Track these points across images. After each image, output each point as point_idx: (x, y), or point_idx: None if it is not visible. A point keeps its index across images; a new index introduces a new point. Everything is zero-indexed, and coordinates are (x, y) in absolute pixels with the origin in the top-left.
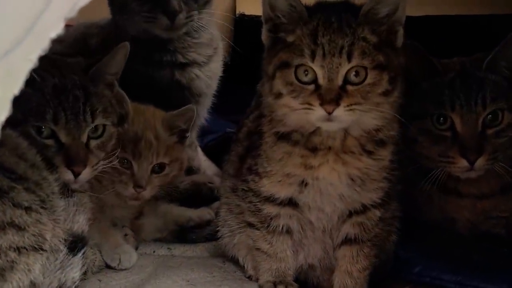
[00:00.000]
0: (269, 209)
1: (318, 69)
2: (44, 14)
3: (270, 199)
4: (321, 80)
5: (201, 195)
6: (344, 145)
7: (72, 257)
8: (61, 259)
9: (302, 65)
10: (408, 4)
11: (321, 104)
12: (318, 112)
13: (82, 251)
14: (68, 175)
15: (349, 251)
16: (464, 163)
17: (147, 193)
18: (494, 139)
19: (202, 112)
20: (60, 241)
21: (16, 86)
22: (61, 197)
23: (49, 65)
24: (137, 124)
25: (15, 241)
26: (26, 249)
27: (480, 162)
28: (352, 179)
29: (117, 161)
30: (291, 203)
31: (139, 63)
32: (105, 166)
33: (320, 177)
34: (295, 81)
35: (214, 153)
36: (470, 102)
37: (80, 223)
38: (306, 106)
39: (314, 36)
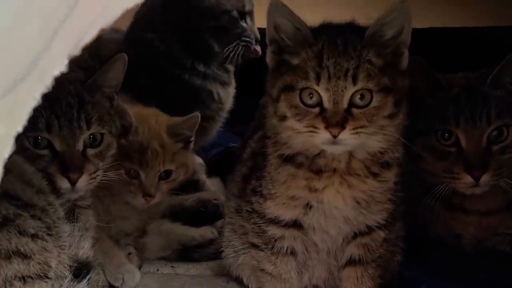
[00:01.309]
0: (274, 231)
1: (323, 92)
2: (47, 51)
3: (274, 221)
4: (326, 103)
5: (206, 212)
6: (349, 168)
7: (77, 283)
8: (66, 286)
9: (307, 88)
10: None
11: (327, 127)
12: (323, 135)
13: (87, 277)
14: (65, 183)
15: (354, 272)
16: (469, 179)
17: (156, 199)
18: (499, 155)
19: (215, 130)
20: (65, 267)
21: (19, 123)
22: (66, 222)
23: None
24: (141, 134)
25: (21, 270)
26: (32, 278)
27: (485, 178)
28: (357, 202)
29: (122, 171)
30: (296, 225)
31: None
32: (106, 177)
33: (325, 200)
34: (300, 104)
35: (217, 168)
36: (474, 118)
37: (86, 248)
38: (311, 129)
39: (319, 58)
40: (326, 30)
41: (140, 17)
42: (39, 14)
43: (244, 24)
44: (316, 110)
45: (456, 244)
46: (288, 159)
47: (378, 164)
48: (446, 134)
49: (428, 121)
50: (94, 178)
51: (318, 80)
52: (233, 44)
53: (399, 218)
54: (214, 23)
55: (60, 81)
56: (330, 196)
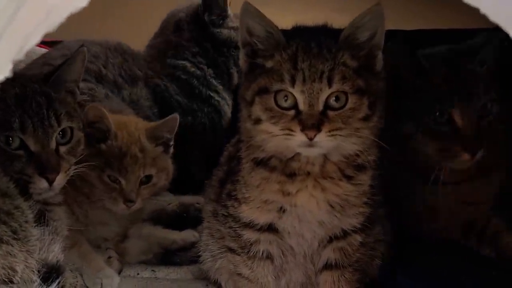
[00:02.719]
0: (249, 235)
1: (298, 94)
2: None
3: (249, 225)
4: (301, 106)
5: (188, 216)
6: (323, 171)
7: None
8: None
9: (282, 90)
10: (400, 18)
11: (302, 130)
12: (299, 137)
13: (57, 281)
14: (43, 183)
15: (330, 276)
16: (466, 156)
17: (137, 205)
18: (487, 129)
19: None
20: (33, 271)
21: None
22: (35, 226)
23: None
24: (120, 139)
25: None
26: None
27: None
28: (331, 206)
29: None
30: (271, 228)
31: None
32: (76, 171)
33: (298, 204)
34: (275, 107)
35: None
36: (467, 96)
37: (56, 252)
38: (287, 132)
39: (294, 61)
40: (299, 33)
41: (164, 46)
42: None
43: None
44: (292, 112)
45: (433, 221)
46: (261, 163)
47: (352, 167)
48: (440, 113)
49: (419, 102)
50: (68, 175)
51: (293, 82)
52: None
53: (377, 222)
54: (235, 54)
55: (24, 80)
56: (303, 200)
